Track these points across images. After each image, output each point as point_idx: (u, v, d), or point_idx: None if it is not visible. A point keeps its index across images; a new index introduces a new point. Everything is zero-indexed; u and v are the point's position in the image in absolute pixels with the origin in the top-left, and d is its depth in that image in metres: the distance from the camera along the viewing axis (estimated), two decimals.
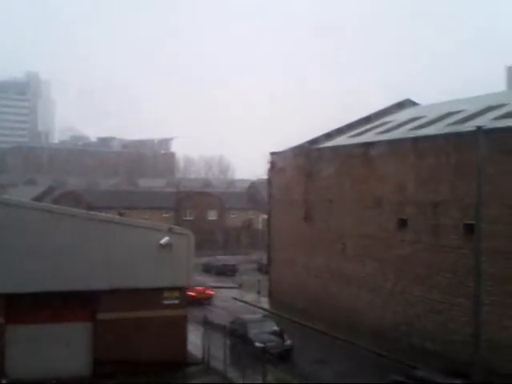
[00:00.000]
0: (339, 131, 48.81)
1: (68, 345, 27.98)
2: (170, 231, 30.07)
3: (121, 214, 48.43)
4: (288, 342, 32.68)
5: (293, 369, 30.42)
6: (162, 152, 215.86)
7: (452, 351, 31.05)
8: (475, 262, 25.41)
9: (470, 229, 29.13)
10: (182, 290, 29.99)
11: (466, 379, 25.45)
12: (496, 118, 33.45)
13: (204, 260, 63.96)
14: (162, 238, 29.45)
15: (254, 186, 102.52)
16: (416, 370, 28.35)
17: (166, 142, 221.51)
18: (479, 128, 26.53)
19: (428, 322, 33.17)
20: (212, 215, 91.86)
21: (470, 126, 29.95)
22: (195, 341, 31.50)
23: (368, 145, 40.34)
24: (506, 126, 30.77)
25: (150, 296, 28.93)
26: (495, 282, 28.78)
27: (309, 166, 44.70)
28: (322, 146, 46.74)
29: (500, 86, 71.86)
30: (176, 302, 29.77)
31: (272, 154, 50.73)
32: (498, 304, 28.83)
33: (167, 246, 29.34)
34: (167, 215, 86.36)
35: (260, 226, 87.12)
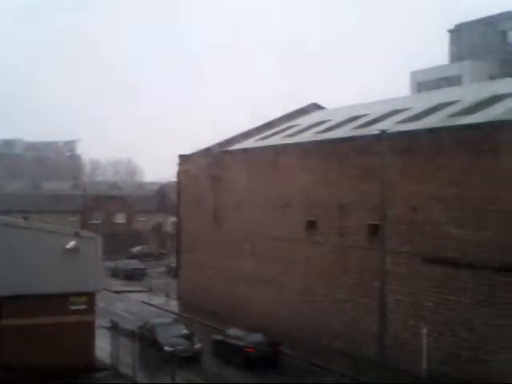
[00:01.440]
0: (248, 134, 49.15)
1: None
2: (76, 235, 29.57)
3: (26, 218, 47.18)
4: (198, 346, 32.58)
5: (202, 372, 30.41)
6: (68, 154, 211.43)
7: (359, 350, 31.73)
8: (380, 262, 26.07)
9: (374, 229, 29.84)
10: (89, 295, 29.49)
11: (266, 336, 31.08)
12: (399, 122, 34.38)
13: (113, 264, 63.11)
14: (69, 242, 28.91)
15: (162, 188, 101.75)
16: (229, 329, 33.23)
17: (71, 144, 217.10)
18: (383, 131, 27.28)
19: (335, 321, 33.78)
20: (120, 218, 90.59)
21: (373, 130, 30.71)
22: (105, 346, 31.02)
23: (276, 148, 40.79)
24: (408, 129, 31.68)
25: (56, 301, 28.35)
26: (399, 281, 29.59)
27: (217, 169, 44.81)
28: (230, 148, 46.92)
29: (404, 90, 74.04)
30: (84, 307, 29.28)
31: (181, 156, 50.57)
32: (402, 303, 29.64)
33: (74, 250, 28.82)
34: (74, 219, 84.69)
35: (169, 229, 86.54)
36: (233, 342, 32.01)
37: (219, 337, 33.47)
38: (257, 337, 31.85)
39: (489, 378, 25.61)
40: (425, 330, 28.15)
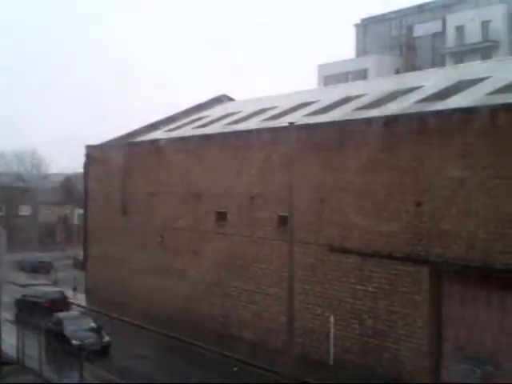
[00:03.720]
0: (157, 125, 48.79)
1: None
2: None
3: None
4: (106, 339, 32.24)
5: (111, 365, 30.13)
6: None
7: (268, 340, 32.09)
8: (289, 253, 26.42)
9: (283, 220, 30.18)
10: None
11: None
12: (307, 115, 34.88)
13: (18, 257, 61.45)
14: None
15: (69, 180, 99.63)
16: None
17: None
18: (291, 124, 27.59)
19: (245, 312, 34.05)
20: (25, 211, 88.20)
21: (282, 122, 31.04)
22: (11, 340, 30.24)
23: (185, 139, 40.67)
24: (315, 122, 32.18)
25: None
26: (308, 271, 30.10)
27: (126, 160, 44.29)
28: (139, 139, 46.47)
29: (312, 83, 75.26)
30: None
31: (88, 147, 49.62)
32: (310, 292, 30.17)
33: None
34: None
35: (76, 221, 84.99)
36: (32, 299, 40.12)
37: (20, 297, 41.46)
38: (54, 293, 41.10)
39: (393, 365, 26.39)
40: (332, 319, 28.74)
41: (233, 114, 43.09)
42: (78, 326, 32.65)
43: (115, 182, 45.30)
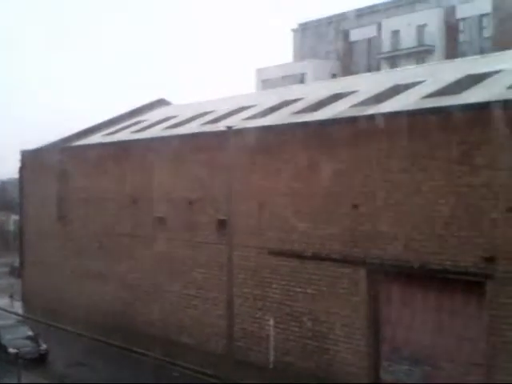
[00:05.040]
0: (94, 129, 48.20)
1: None
2: None
3: None
4: (43, 347, 31.85)
5: (48, 373, 29.76)
6: None
7: (208, 344, 32.04)
8: (228, 256, 26.45)
9: (223, 224, 30.20)
10: None
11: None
12: (246, 119, 34.97)
13: None
14: None
15: (3, 185, 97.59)
16: None
17: None
18: (229, 128, 27.68)
19: (185, 316, 33.92)
20: None
21: (220, 126, 31.07)
22: None
23: (123, 143, 40.35)
24: (253, 126, 32.31)
25: None
26: (247, 274, 30.17)
27: (62, 165, 43.61)
28: (75, 144, 45.86)
29: (251, 87, 75.64)
30: None
31: (24, 152, 48.69)
32: (250, 296, 30.23)
33: None
34: None
35: (12, 228, 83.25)
36: None
37: None
38: None
39: (332, 366, 26.66)
40: (272, 322, 28.86)
41: (171, 118, 42.91)
42: (14, 334, 32.26)
43: (52, 188, 44.54)
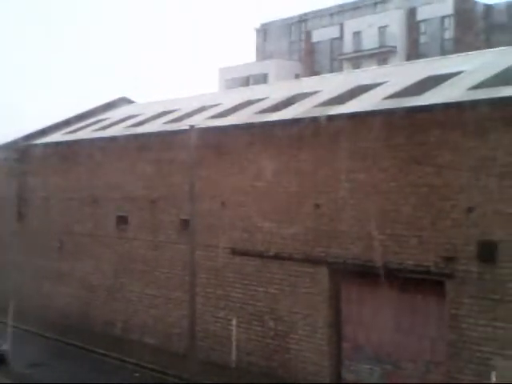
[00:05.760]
0: (55, 127, 47.54)
1: None
2: None
3: None
4: (3, 347, 31.42)
5: (9, 373, 29.41)
6: None
7: (170, 344, 31.89)
8: (190, 256, 26.35)
9: (185, 224, 30.07)
10: None
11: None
12: (209, 118, 34.85)
13: None
14: None
15: None
16: None
17: None
18: (191, 127, 27.60)
19: (147, 317, 33.72)
20: None
21: (183, 125, 30.95)
22: None
23: (83, 142, 39.96)
24: (216, 125, 32.22)
25: None
26: (210, 274, 30.10)
27: (21, 163, 43.07)
28: (35, 142, 45.24)
29: (214, 86, 75.63)
30: None
31: None
32: (212, 296, 30.17)
33: None
34: None
35: None
36: None
37: None
38: None
39: (294, 365, 26.73)
40: (234, 322, 28.81)
41: (134, 116, 42.56)
42: None
43: (10, 187, 43.92)
